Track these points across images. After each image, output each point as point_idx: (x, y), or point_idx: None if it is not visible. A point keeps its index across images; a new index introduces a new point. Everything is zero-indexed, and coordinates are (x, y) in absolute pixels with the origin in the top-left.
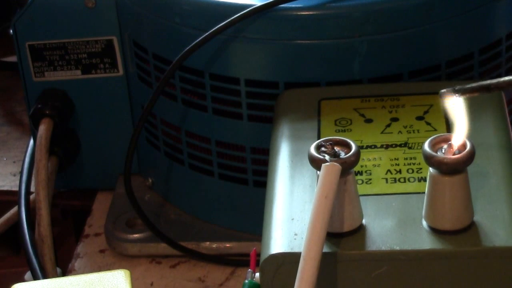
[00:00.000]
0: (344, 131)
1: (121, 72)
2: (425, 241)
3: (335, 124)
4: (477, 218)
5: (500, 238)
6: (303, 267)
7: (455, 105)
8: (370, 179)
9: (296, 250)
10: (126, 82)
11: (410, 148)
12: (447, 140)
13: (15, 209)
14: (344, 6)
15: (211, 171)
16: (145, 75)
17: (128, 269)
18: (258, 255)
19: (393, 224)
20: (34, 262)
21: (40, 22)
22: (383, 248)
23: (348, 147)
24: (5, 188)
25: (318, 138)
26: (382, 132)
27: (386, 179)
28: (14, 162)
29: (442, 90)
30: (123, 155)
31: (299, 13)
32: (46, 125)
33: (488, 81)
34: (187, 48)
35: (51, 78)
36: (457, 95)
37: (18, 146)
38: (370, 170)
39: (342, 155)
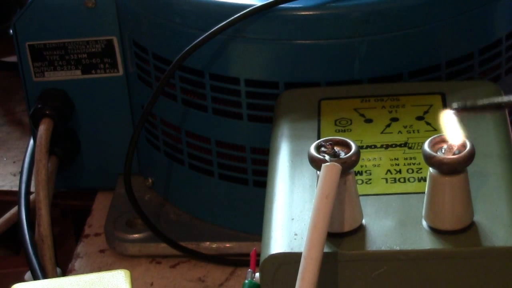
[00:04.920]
0: (344, 131)
1: (121, 72)
2: (425, 241)
3: (335, 124)
4: (477, 218)
5: (500, 238)
6: (304, 267)
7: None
8: (370, 179)
9: (296, 250)
10: (126, 82)
11: (410, 148)
12: (447, 140)
13: (15, 209)
14: (344, 6)
15: (211, 171)
16: (145, 75)
17: (128, 269)
18: (258, 255)
19: (393, 224)
20: (34, 262)
21: (40, 22)
22: (383, 248)
23: (348, 147)
24: (5, 188)
25: (318, 138)
26: (382, 132)
27: (386, 179)
28: (14, 162)
29: (454, 105)
30: (123, 155)
31: (299, 13)
32: (46, 125)
33: (500, 98)
34: (187, 48)
35: (51, 78)
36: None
37: (18, 146)
38: (370, 170)
39: (342, 155)
